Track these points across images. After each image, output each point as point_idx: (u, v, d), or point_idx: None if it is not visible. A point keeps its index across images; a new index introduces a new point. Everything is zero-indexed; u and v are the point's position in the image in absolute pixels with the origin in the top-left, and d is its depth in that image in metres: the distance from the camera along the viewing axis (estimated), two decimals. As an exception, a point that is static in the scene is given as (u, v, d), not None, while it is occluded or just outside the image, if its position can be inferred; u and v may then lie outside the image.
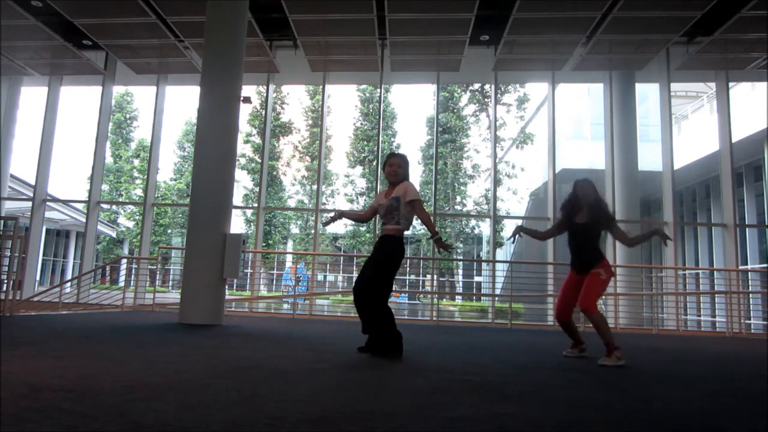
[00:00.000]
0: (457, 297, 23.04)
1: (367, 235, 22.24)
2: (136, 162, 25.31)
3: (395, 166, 3.84)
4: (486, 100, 21.93)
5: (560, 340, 4.45)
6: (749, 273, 11.84)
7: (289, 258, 21.51)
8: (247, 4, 7.27)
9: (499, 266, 13.21)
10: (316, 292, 16.95)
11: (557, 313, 4.25)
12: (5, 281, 6.49)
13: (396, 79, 13.01)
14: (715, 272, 12.41)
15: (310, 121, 23.93)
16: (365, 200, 23.03)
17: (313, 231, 11.90)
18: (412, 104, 37.03)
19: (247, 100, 7.15)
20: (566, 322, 4.24)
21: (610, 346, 3.80)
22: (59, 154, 12.28)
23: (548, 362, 3.95)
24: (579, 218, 4.16)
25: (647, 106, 15.00)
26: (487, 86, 20.82)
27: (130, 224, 24.72)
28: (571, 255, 4.23)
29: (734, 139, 10.61)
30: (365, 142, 22.96)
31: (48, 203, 12.16)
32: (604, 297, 10.75)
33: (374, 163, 21.57)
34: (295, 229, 24.65)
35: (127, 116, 25.62)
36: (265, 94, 13.71)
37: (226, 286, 6.99)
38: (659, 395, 2.62)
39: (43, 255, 18.53)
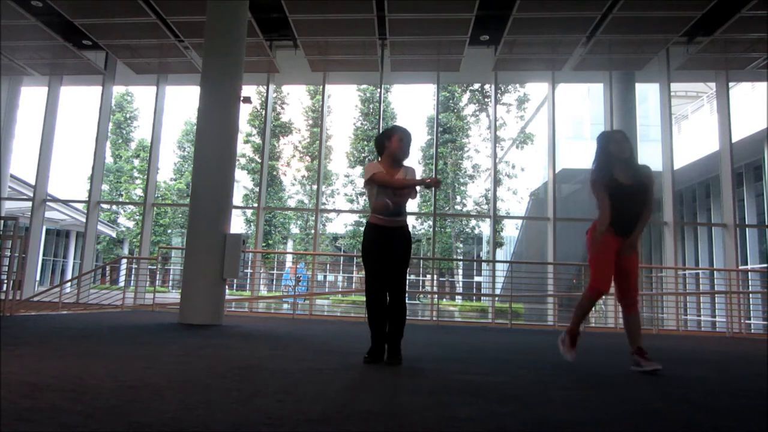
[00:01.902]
0: (457, 297, 23.03)
1: (367, 235, 22.20)
2: (136, 162, 25.29)
3: (405, 144, 3.41)
4: (486, 100, 21.92)
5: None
6: (749, 273, 11.84)
7: (289, 258, 21.49)
8: (247, 4, 7.27)
9: (499, 266, 13.22)
10: (316, 292, 16.94)
11: (607, 287, 3.47)
12: (5, 281, 6.49)
13: (396, 79, 13.01)
14: (715, 272, 12.40)
15: (310, 121, 23.92)
16: (365, 200, 23.02)
17: (313, 231, 11.90)
18: (412, 104, 37.05)
19: (247, 100, 7.15)
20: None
21: (641, 348, 3.41)
22: (59, 154, 12.28)
23: (548, 362, 3.95)
24: (624, 179, 3.46)
25: (647, 106, 14.99)
26: (487, 86, 20.82)
27: (130, 224, 24.70)
28: (616, 219, 3.43)
29: (734, 139, 10.61)
30: (365, 142, 22.94)
31: (48, 203, 12.16)
32: (604, 297, 10.75)
33: (374, 163, 21.53)
34: (295, 229, 24.63)
35: (127, 116, 25.61)
36: (265, 94, 13.70)
37: (226, 286, 6.99)
38: (659, 395, 2.62)
39: (43, 255, 18.53)
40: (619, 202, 3.45)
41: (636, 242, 3.46)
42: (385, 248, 3.38)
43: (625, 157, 3.50)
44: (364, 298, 3.72)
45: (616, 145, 3.52)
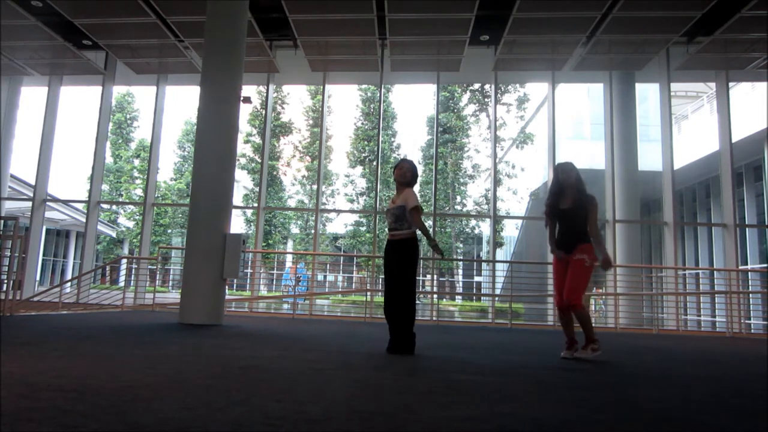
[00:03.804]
0: (457, 297, 23.03)
1: (367, 235, 22.23)
2: (136, 162, 25.29)
3: (404, 170, 4.28)
4: (486, 100, 21.91)
5: (560, 341, 4.48)
6: (749, 273, 11.84)
7: (289, 258, 21.47)
8: (247, 4, 7.27)
9: (499, 266, 13.21)
10: (316, 292, 16.94)
11: (557, 301, 4.26)
12: (5, 281, 6.49)
13: (396, 79, 13.01)
14: (715, 272, 12.41)
15: (311, 121, 23.91)
16: (365, 200, 23.03)
17: (313, 231, 11.90)
18: (412, 104, 37.05)
19: (247, 100, 7.15)
20: (567, 308, 4.16)
21: (588, 339, 4.08)
22: (59, 154, 12.28)
23: (548, 362, 3.95)
24: (563, 204, 4.21)
25: (647, 106, 14.99)
26: (487, 86, 20.80)
27: (130, 224, 24.70)
28: (558, 237, 4.26)
29: (734, 139, 10.61)
30: (366, 142, 22.92)
31: (48, 203, 12.15)
32: (604, 297, 10.76)
33: (374, 164, 21.56)
34: (295, 229, 24.62)
35: (128, 116, 25.61)
36: (265, 94, 13.70)
37: (226, 286, 6.99)
38: (659, 395, 2.62)
39: (43, 255, 18.52)
40: (558, 224, 4.26)
41: (607, 261, 4.13)
42: (385, 258, 4.23)
43: (569, 184, 4.18)
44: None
45: (562, 174, 4.22)
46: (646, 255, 15.85)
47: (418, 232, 4.20)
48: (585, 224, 4.12)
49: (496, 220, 11.81)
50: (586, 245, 4.07)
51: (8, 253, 6.36)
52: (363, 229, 22.77)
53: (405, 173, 4.25)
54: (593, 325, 4.22)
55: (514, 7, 8.43)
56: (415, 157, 23.12)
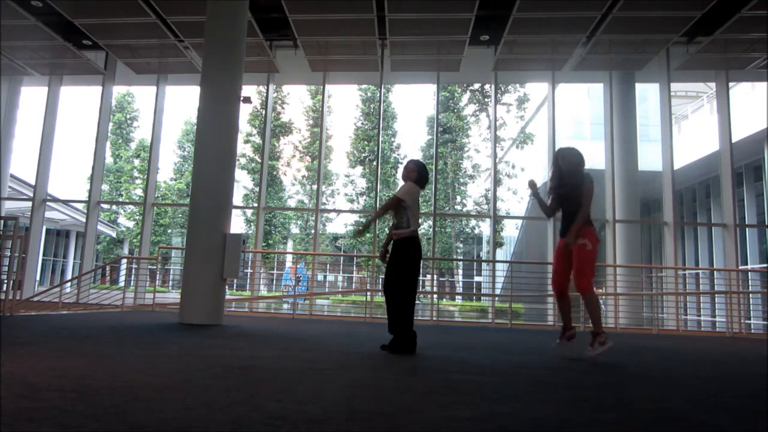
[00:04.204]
0: (457, 297, 23.03)
1: (367, 235, 22.21)
2: (136, 162, 25.30)
3: (408, 170, 4.40)
4: (486, 100, 21.92)
5: (560, 340, 4.49)
6: (749, 273, 11.84)
7: (289, 258, 21.48)
8: (247, 4, 7.27)
9: (499, 266, 13.21)
10: (316, 292, 16.94)
11: (554, 286, 4.26)
12: (5, 281, 6.49)
13: (396, 79, 13.00)
14: (715, 272, 12.40)
15: (311, 121, 23.91)
16: (365, 200, 23.03)
17: (313, 231, 11.91)
18: (412, 104, 37.08)
19: (247, 100, 7.15)
20: (564, 294, 4.22)
21: (594, 333, 4.01)
22: (59, 154, 12.28)
23: (548, 362, 3.95)
24: (563, 188, 4.22)
25: (647, 106, 14.99)
26: (487, 86, 20.81)
27: (130, 224, 24.71)
28: (561, 222, 4.27)
29: (734, 139, 10.61)
30: (366, 142, 22.93)
31: (48, 203, 12.15)
32: (604, 297, 10.76)
33: (374, 164, 21.56)
34: (295, 229, 24.63)
35: (128, 116, 25.61)
36: (265, 94, 13.71)
37: (226, 286, 6.99)
38: (659, 395, 2.62)
39: (43, 255, 18.52)
40: (561, 208, 4.28)
41: (573, 236, 4.01)
42: (390, 257, 4.28)
43: (567, 169, 4.16)
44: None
45: (563, 159, 4.22)
46: (646, 255, 15.86)
47: (420, 231, 4.23)
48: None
49: (496, 220, 11.80)
50: (585, 229, 4.04)
51: (8, 253, 6.36)
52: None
53: (410, 173, 4.36)
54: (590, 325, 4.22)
55: (514, 7, 8.43)
56: (415, 157, 23.11)
